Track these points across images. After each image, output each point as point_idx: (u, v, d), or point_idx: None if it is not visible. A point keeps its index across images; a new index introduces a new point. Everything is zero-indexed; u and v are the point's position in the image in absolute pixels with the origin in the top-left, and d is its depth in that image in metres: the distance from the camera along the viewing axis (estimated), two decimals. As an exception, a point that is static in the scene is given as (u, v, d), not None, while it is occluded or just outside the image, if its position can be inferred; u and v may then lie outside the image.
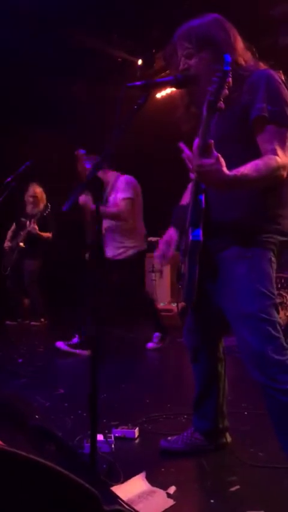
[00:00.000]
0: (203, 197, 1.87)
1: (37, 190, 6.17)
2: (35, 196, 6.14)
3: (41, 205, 6.14)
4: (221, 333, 2.26)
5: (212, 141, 1.62)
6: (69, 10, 5.42)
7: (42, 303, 6.18)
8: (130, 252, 4.54)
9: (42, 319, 6.14)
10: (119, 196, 4.42)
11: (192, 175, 1.82)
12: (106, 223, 4.51)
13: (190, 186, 2.28)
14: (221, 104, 1.61)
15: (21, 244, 5.96)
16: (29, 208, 6.18)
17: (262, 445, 2.34)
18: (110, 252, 4.54)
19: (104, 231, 4.52)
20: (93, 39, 6.06)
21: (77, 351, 4.41)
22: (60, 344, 4.51)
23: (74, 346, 4.46)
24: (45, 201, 6.17)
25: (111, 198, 4.48)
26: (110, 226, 4.50)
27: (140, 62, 6.65)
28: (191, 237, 1.87)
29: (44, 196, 6.22)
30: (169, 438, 2.35)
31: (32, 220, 5.90)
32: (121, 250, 4.54)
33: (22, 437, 1.57)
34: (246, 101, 1.78)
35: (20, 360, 4.28)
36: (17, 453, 1.12)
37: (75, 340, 4.51)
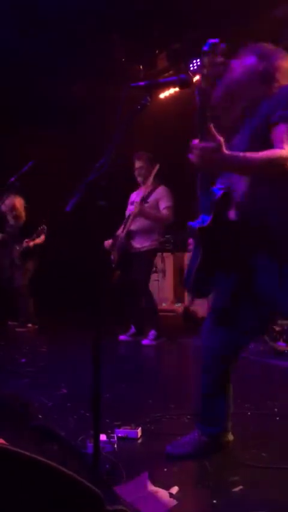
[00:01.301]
0: (217, 190, 1.99)
1: (15, 202, 6.02)
2: (15, 209, 6.04)
3: (23, 215, 6.09)
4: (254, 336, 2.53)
5: (212, 124, 1.77)
6: (69, 10, 5.43)
7: (31, 307, 6.09)
8: (154, 246, 5.19)
9: (30, 325, 6.03)
10: (163, 205, 5.09)
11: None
12: (139, 222, 5.07)
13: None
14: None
15: (17, 261, 5.93)
16: (12, 221, 6.11)
17: (265, 445, 2.34)
18: (138, 244, 5.11)
19: (133, 228, 5.11)
20: (94, 39, 6.06)
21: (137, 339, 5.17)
22: (122, 337, 5.23)
23: (133, 335, 5.22)
24: (23, 211, 6.12)
25: (151, 200, 5.08)
26: (143, 225, 5.06)
27: (141, 65, 6.67)
28: (197, 224, 1.98)
29: (23, 204, 6.13)
30: (175, 442, 2.32)
31: (26, 240, 5.90)
32: (147, 242, 5.11)
33: (25, 437, 1.57)
34: (267, 111, 1.91)
35: (23, 360, 4.28)
36: (20, 453, 1.12)
37: (132, 330, 5.26)
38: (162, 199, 5.11)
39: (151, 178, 5.11)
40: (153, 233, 5.14)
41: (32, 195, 6.08)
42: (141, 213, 5.02)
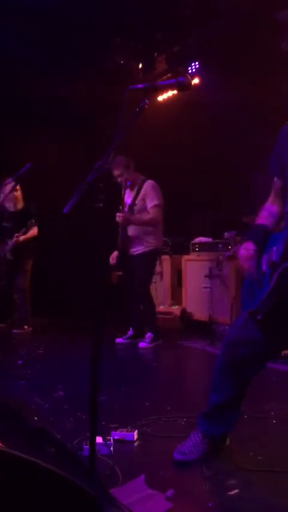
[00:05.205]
0: None
1: (16, 188, 5.96)
2: (13, 194, 5.97)
3: (21, 203, 6.06)
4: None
5: None
6: (70, 10, 5.44)
7: (28, 310, 6.03)
8: (150, 248, 5.00)
9: (26, 327, 5.98)
10: (150, 204, 4.91)
11: None
12: (131, 228, 4.98)
13: (267, 206, 2.25)
14: None
15: (10, 257, 5.88)
16: (12, 207, 6.06)
17: (261, 449, 2.34)
18: (133, 249, 5.02)
19: (129, 233, 5.01)
20: (95, 41, 6.07)
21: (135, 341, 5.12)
22: (119, 340, 5.17)
23: (131, 338, 5.17)
24: (21, 197, 6.09)
25: (138, 201, 4.95)
26: (135, 231, 4.96)
27: (140, 65, 6.68)
28: None
29: (21, 193, 6.10)
30: (180, 448, 2.29)
31: (16, 235, 5.82)
32: (141, 246, 4.99)
33: (22, 439, 1.57)
34: None
35: (20, 362, 4.28)
36: (16, 455, 1.12)
37: (130, 332, 5.20)
38: (148, 197, 4.92)
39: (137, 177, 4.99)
40: (147, 237, 4.96)
41: (30, 195, 6.08)
42: (126, 223, 4.91)
